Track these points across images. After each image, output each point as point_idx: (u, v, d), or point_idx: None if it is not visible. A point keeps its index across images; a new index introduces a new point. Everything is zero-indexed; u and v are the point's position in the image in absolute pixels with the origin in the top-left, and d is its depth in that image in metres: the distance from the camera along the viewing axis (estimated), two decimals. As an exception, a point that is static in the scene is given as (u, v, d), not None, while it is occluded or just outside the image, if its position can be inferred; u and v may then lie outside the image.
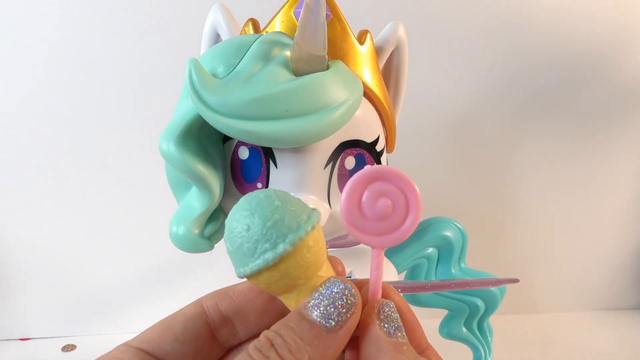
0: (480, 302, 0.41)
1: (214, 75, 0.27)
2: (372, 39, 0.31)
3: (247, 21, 0.31)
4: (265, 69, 0.26)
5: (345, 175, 0.30)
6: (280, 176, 0.28)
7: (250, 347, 0.16)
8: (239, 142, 0.29)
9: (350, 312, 0.17)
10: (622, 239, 0.65)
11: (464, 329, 0.42)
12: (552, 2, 0.54)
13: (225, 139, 0.29)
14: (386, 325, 0.18)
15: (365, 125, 0.30)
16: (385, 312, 0.18)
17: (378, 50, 0.33)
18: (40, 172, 0.55)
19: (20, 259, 0.58)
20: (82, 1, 0.50)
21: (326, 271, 0.18)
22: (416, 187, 0.18)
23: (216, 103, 0.25)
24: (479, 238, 0.53)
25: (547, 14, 0.54)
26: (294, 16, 0.29)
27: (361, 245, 0.38)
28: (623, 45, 0.56)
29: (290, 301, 0.18)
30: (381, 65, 0.34)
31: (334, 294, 0.17)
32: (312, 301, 0.17)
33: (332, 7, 0.29)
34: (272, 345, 0.16)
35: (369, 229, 0.19)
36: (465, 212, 0.61)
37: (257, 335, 0.17)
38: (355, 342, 0.18)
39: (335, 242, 0.36)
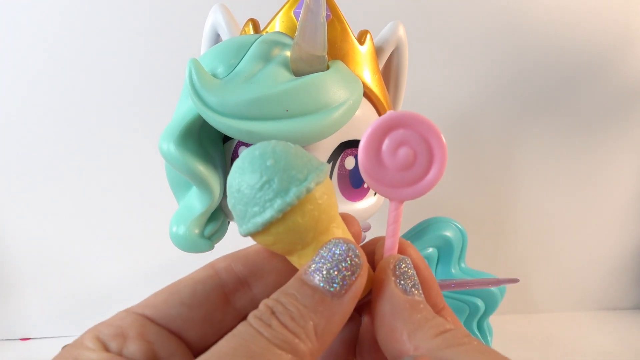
0: (480, 302, 0.41)
1: (214, 76, 0.27)
2: (372, 39, 0.31)
3: (247, 21, 0.31)
4: (266, 69, 0.26)
5: (345, 176, 0.30)
6: (280, 176, 0.28)
7: (250, 316, 0.15)
8: (239, 142, 0.29)
9: (356, 275, 0.15)
10: (622, 239, 0.65)
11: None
12: (552, 2, 0.54)
13: (225, 139, 0.29)
14: (402, 282, 0.16)
15: (365, 125, 0.29)
16: (402, 269, 0.17)
17: (378, 50, 0.33)
18: (40, 172, 0.55)
19: (20, 259, 0.58)
20: (82, 1, 0.50)
21: (333, 233, 0.17)
22: (442, 135, 0.17)
23: (216, 103, 0.25)
24: (479, 238, 0.53)
25: (547, 14, 0.54)
26: (294, 16, 0.29)
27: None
28: (623, 45, 0.56)
29: (295, 263, 0.17)
30: (381, 66, 0.34)
31: (336, 256, 0.16)
32: (314, 265, 0.16)
33: (332, 7, 0.29)
34: (273, 313, 0.15)
35: (389, 179, 0.17)
36: (465, 212, 0.61)
37: None
38: (371, 306, 0.17)
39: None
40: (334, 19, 0.29)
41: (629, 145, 0.61)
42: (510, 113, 0.58)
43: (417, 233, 0.40)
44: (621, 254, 0.66)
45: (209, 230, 0.30)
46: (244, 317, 0.18)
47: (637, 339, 0.61)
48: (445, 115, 0.58)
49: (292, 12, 0.30)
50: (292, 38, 0.28)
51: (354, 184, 0.31)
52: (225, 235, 0.32)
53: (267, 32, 0.30)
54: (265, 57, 0.27)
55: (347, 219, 0.18)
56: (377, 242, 0.19)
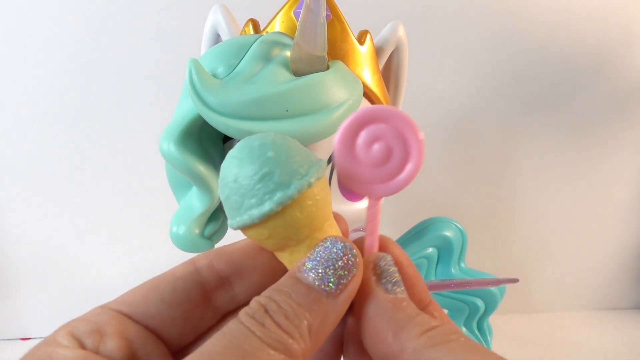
0: (480, 302, 0.41)
1: (214, 76, 0.27)
2: (372, 39, 0.31)
3: (247, 21, 0.31)
4: (266, 69, 0.26)
5: (345, 175, 0.30)
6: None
7: (241, 313, 0.14)
8: (238, 142, 0.29)
9: (352, 275, 0.15)
10: (622, 238, 0.65)
11: (464, 329, 0.42)
12: (552, 2, 0.54)
13: (226, 139, 0.29)
14: (383, 280, 0.16)
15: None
16: (382, 267, 0.16)
17: (378, 51, 0.33)
18: (40, 173, 0.55)
19: (20, 259, 0.58)
20: (83, 2, 0.50)
21: (327, 231, 0.16)
22: (419, 130, 0.16)
23: (216, 103, 0.25)
24: (478, 238, 0.53)
25: (547, 14, 0.54)
26: (294, 16, 0.29)
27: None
28: (623, 45, 0.56)
29: (284, 260, 0.17)
30: (381, 66, 0.34)
31: (332, 254, 0.15)
32: (308, 263, 0.15)
33: (332, 8, 0.29)
34: (267, 311, 0.14)
35: (364, 176, 0.17)
36: (465, 212, 0.61)
37: None
38: (353, 307, 0.16)
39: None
40: (334, 19, 0.29)
41: (629, 145, 0.61)
42: (510, 113, 0.58)
43: (417, 233, 0.40)
44: (621, 254, 0.66)
45: (209, 230, 0.30)
46: (224, 316, 0.18)
47: (637, 339, 0.61)
48: (445, 115, 0.58)
49: (292, 12, 0.30)
50: (292, 38, 0.28)
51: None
52: (226, 235, 0.32)
53: (267, 32, 0.30)
54: (266, 57, 0.27)
55: (335, 217, 0.18)
56: (362, 241, 0.18)
